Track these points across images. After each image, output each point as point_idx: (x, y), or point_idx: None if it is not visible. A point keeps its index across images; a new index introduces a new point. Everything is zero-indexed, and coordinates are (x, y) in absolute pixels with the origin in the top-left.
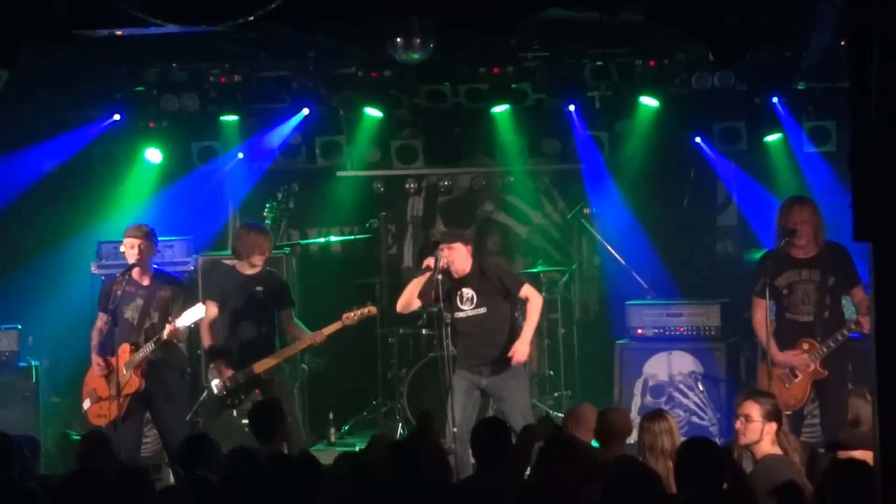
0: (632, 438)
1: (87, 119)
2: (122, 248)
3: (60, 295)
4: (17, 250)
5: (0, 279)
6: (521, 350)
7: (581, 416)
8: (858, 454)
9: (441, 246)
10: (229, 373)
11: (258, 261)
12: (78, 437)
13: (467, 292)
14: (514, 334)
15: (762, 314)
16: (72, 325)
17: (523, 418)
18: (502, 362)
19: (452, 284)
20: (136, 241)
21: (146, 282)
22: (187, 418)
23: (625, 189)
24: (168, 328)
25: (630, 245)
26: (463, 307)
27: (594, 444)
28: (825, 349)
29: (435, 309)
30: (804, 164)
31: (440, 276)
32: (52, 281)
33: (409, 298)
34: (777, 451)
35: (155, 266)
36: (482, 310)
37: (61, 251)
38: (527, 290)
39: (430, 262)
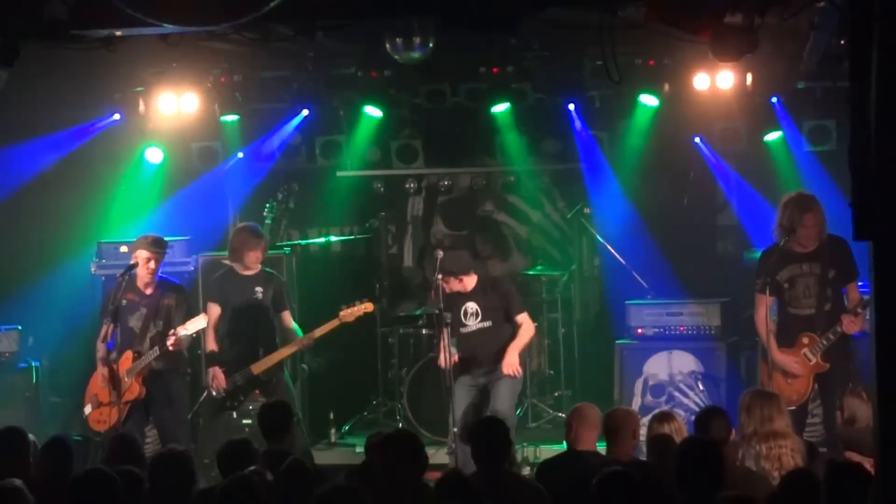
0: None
1: (87, 119)
2: (122, 249)
3: (60, 295)
4: (17, 251)
5: (0, 279)
6: (509, 362)
7: (585, 415)
8: (856, 456)
9: (450, 279)
10: (226, 380)
11: (250, 260)
12: (79, 438)
13: (471, 307)
14: None
15: (764, 311)
16: (72, 326)
17: (503, 404)
18: (500, 368)
19: (458, 301)
20: (154, 256)
21: (149, 291)
22: (188, 417)
23: (625, 188)
24: (172, 338)
25: (630, 245)
26: (467, 322)
27: (599, 444)
28: (825, 342)
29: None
30: (804, 163)
31: (440, 277)
32: (52, 281)
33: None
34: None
35: (158, 274)
36: (487, 323)
37: (61, 251)
38: (523, 318)
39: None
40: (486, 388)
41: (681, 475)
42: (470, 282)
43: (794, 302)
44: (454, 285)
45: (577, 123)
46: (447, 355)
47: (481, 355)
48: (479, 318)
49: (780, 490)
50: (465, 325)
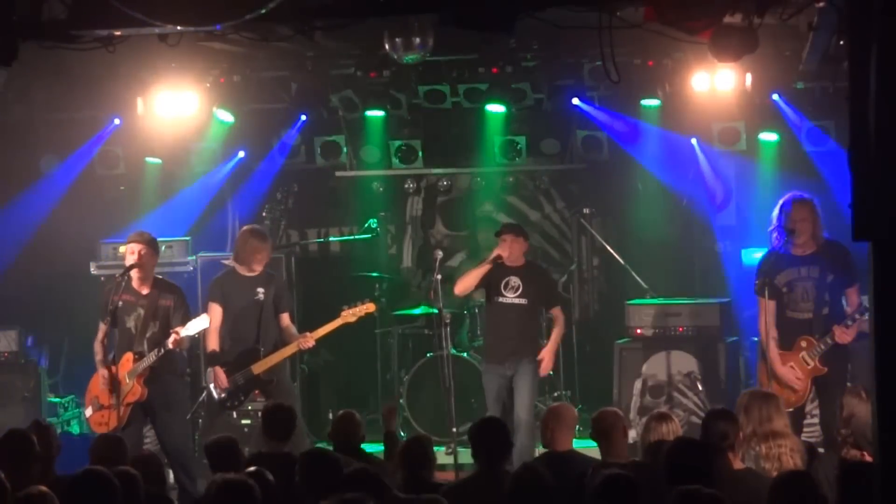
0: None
1: (86, 120)
2: (121, 250)
3: (60, 295)
4: (17, 251)
5: (0, 279)
6: (548, 360)
7: (563, 416)
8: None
9: (505, 236)
10: (227, 379)
11: (258, 267)
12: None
13: (514, 281)
14: (538, 334)
15: (764, 315)
16: (72, 326)
17: (525, 412)
18: (525, 353)
19: (502, 272)
20: (138, 247)
21: (146, 290)
22: (187, 418)
23: (624, 188)
24: (173, 338)
25: (630, 245)
26: (506, 293)
27: (584, 443)
28: (823, 346)
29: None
30: (803, 163)
31: (440, 277)
32: (52, 281)
33: (472, 282)
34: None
35: (155, 274)
36: (524, 300)
37: (61, 251)
38: (558, 312)
39: (500, 250)
40: (511, 381)
41: (670, 476)
42: (518, 250)
43: (793, 305)
44: (508, 245)
45: (596, 113)
46: (448, 354)
47: (509, 330)
48: (518, 293)
49: (773, 491)
50: (503, 296)
